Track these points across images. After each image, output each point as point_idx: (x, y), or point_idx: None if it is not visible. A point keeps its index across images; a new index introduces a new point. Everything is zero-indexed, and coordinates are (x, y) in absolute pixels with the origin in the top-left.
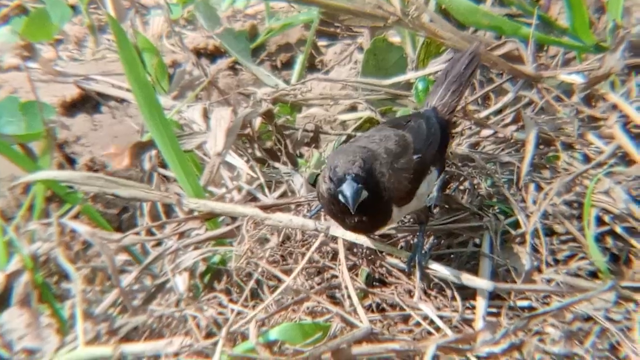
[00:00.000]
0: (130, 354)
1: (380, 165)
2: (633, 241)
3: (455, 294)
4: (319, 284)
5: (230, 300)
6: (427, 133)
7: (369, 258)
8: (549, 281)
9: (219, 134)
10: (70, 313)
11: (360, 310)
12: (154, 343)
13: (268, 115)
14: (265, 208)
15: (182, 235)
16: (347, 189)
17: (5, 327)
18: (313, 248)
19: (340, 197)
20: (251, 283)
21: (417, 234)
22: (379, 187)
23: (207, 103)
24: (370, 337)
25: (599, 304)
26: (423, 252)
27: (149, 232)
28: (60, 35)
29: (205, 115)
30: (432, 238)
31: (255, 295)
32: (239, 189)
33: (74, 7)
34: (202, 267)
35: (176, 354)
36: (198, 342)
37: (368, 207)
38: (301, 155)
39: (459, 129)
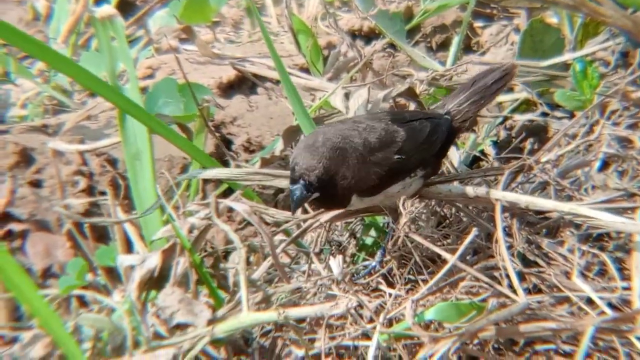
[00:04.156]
0: (294, 318)
1: (348, 157)
2: None
3: (615, 273)
4: (474, 263)
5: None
6: (426, 139)
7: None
8: None
9: (358, 113)
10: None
11: (518, 287)
12: (319, 306)
13: (411, 94)
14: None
15: None
16: (296, 193)
17: (160, 304)
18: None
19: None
20: (409, 265)
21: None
22: (335, 180)
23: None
24: (527, 314)
25: None
26: None
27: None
28: (218, 17)
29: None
30: None
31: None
32: None
33: None
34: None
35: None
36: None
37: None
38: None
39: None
